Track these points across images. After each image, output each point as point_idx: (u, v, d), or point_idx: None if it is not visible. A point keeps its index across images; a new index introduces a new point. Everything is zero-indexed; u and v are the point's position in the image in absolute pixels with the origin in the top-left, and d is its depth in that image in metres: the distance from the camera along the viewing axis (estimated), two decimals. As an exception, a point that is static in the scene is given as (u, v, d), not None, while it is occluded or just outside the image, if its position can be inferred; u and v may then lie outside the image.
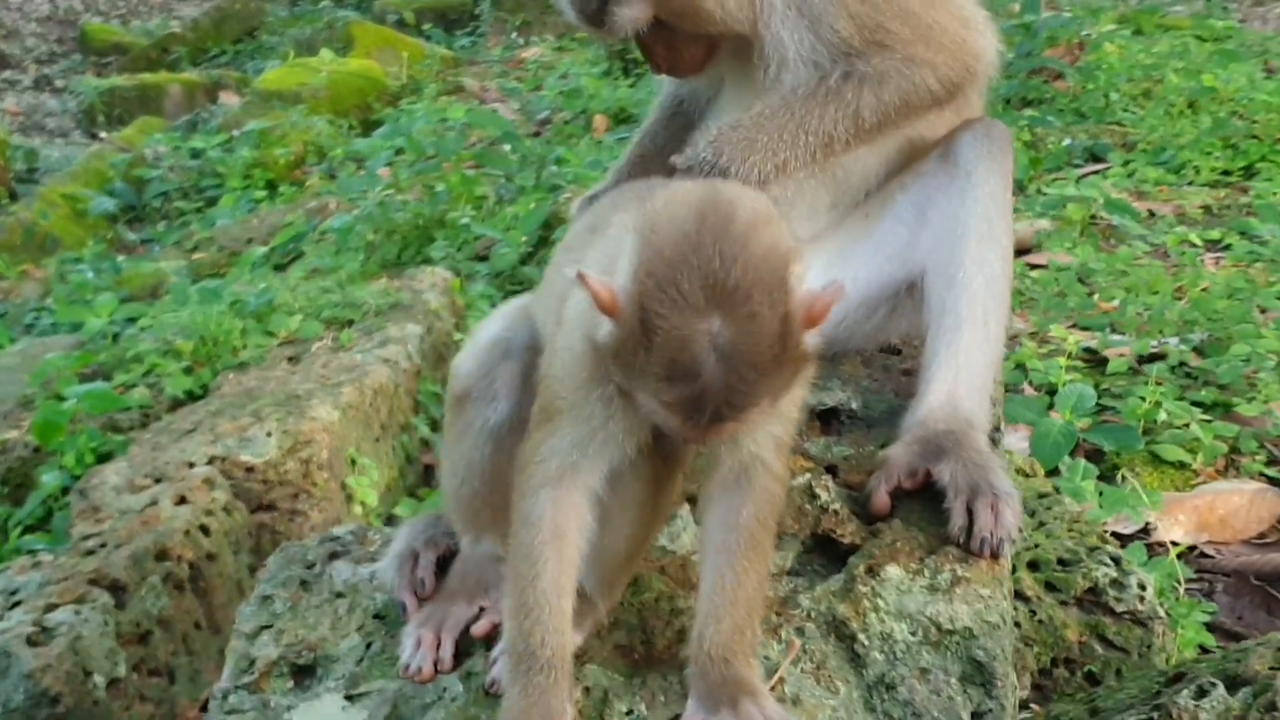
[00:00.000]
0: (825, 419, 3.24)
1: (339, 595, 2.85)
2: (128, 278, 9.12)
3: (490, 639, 2.65)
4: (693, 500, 2.88)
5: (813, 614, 2.68)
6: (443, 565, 2.85)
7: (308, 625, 2.78)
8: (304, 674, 2.70)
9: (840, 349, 3.39)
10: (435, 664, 2.66)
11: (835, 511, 2.89)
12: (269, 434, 5.21)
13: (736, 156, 3.12)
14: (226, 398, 5.71)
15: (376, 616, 2.79)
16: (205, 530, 4.79)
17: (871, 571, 2.74)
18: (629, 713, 2.51)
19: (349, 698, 2.60)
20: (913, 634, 2.66)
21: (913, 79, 3.19)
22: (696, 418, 2.14)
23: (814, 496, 2.93)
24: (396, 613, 2.79)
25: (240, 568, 4.95)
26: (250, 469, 5.12)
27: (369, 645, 2.73)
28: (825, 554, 2.89)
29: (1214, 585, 4.79)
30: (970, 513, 2.80)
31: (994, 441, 3.12)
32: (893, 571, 2.73)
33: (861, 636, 2.66)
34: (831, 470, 3.05)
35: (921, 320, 3.22)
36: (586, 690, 2.53)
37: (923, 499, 2.88)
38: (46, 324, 8.65)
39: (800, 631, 2.65)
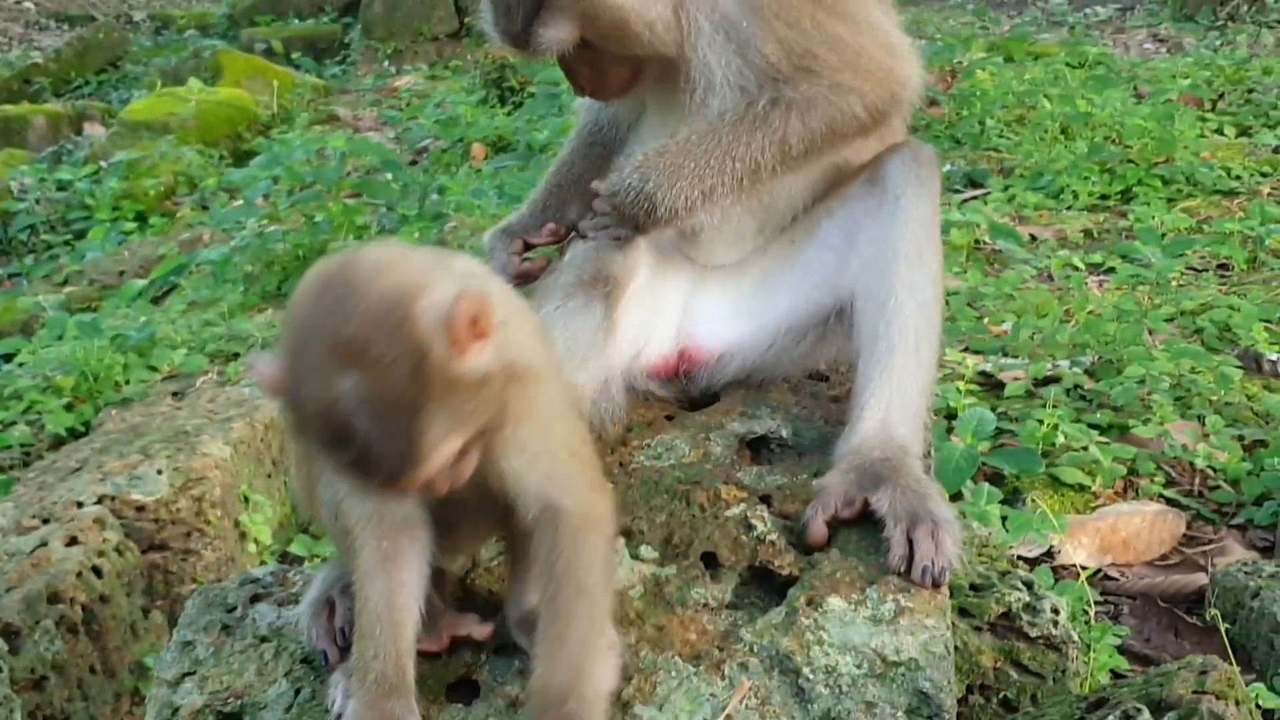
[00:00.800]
0: (755, 447, 3.19)
1: (264, 640, 2.75)
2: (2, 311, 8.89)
3: None
4: (628, 534, 2.82)
5: (755, 648, 2.62)
6: None
7: (233, 671, 2.68)
8: (230, 722, 2.61)
9: (768, 376, 3.35)
10: None
11: (772, 542, 2.84)
12: (160, 471, 5.06)
13: (663, 183, 3.07)
14: (112, 435, 5.55)
15: (304, 661, 2.70)
16: (98, 572, 4.63)
17: (813, 603, 2.69)
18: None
19: (279, 746, 2.50)
20: (858, 667, 2.61)
21: (840, 106, 3.16)
22: (376, 477, 2.14)
23: (750, 527, 2.88)
24: (319, 661, 2.69)
25: (134, 609, 4.80)
26: (141, 508, 4.97)
27: (298, 691, 2.63)
28: (763, 586, 2.84)
29: (1120, 608, 4.81)
30: (910, 541, 2.76)
31: (927, 468, 3.09)
32: (835, 603, 2.68)
33: (806, 670, 2.60)
34: (766, 500, 2.99)
35: (851, 346, 3.19)
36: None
37: (860, 528, 2.84)
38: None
39: (744, 667, 2.59)
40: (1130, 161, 9.06)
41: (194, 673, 2.68)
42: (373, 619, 2.43)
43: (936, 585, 2.73)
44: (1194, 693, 3.62)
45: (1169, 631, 4.63)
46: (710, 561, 2.87)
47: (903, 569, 2.74)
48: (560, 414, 2.45)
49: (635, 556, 2.81)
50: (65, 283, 9.73)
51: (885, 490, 2.85)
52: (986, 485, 5.01)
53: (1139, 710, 3.27)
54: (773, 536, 2.85)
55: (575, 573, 2.39)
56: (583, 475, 2.45)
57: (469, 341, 2.12)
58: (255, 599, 2.87)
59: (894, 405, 3.03)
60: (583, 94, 3.30)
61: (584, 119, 3.67)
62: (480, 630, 2.66)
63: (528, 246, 3.54)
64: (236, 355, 6.35)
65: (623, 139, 3.56)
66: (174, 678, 2.67)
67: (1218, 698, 3.62)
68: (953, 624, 3.94)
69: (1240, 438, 5.52)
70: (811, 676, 2.59)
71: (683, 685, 2.56)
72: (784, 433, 3.21)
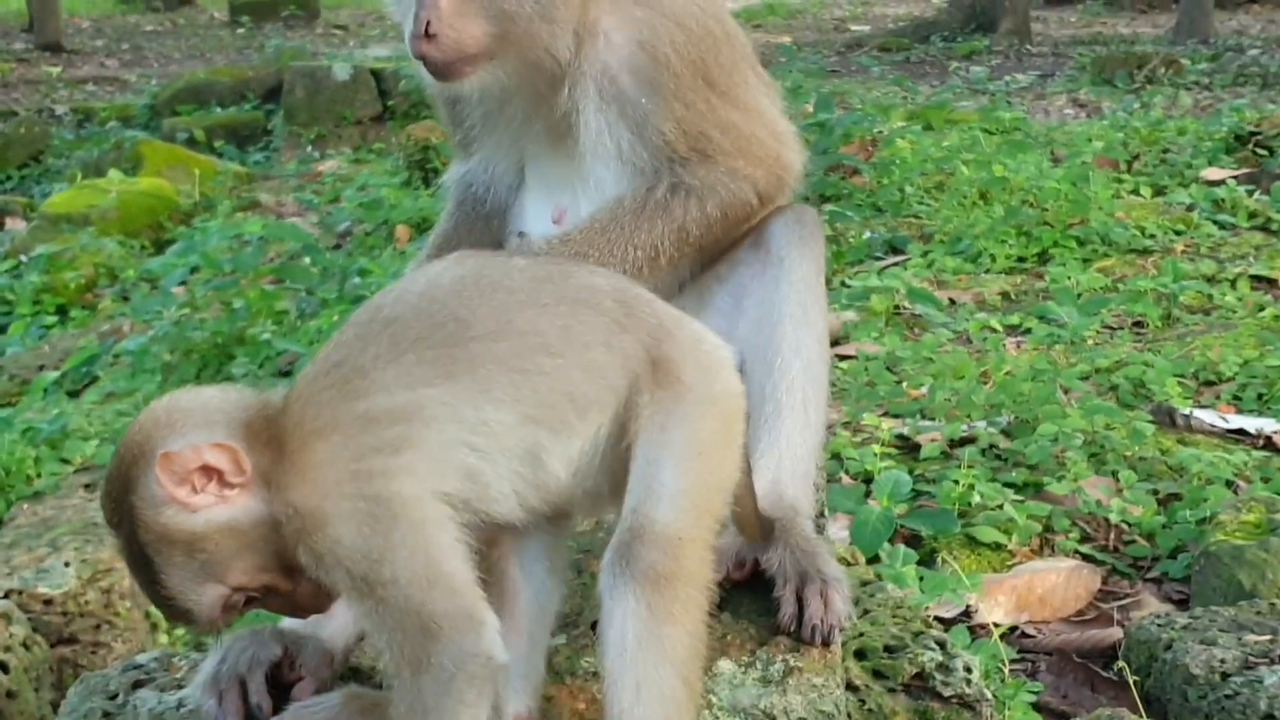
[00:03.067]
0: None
1: (145, 726, 2.71)
2: (-84, 410, 8.79)
3: None
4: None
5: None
6: (272, 681, 2.73)
7: (112, 759, 2.64)
8: (113, 813, 2.56)
9: None
10: None
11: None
12: (67, 564, 5.02)
13: None
14: (22, 529, 5.49)
15: (185, 748, 2.66)
16: (4, 667, 4.57)
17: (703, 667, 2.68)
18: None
19: (159, 835, 2.46)
20: (748, 729, 2.60)
21: (735, 192, 3.22)
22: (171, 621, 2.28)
23: (640, 591, 2.87)
24: None
25: (43, 704, 4.73)
26: (49, 601, 4.92)
27: (178, 776, 2.59)
28: (654, 649, 2.82)
29: (1037, 665, 4.81)
30: (800, 600, 2.77)
31: (820, 528, 3.10)
32: (724, 666, 2.68)
33: (696, 734, 2.59)
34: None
35: None
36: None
37: (751, 589, 2.84)
38: None
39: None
40: (1046, 224, 9.16)
41: (74, 761, 2.65)
42: None
43: (826, 643, 2.74)
44: (1100, 745, 3.64)
45: (1085, 686, 4.64)
46: (601, 630, 2.85)
47: (793, 628, 2.75)
48: (357, 540, 2.22)
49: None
50: (-13, 379, 9.66)
51: (775, 550, 2.86)
52: (903, 547, 5.02)
53: (1049, 764, 3.27)
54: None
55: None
56: (403, 616, 2.20)
57: (191, 491, 2.13)
58: (137, 685, 2.83)
59: (783, 466, 3.05)
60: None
61: (457, 192, 3.64)
62: None
63: None
64: (150, 444, 6.29)
65: (501, 205, 3.55)
66: (53, 767, 2.64)
67: (1122, 748, 3.64)
68: (866, 685, 3.95)
69: (1154, 492, 5.55)
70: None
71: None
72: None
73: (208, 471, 2.13)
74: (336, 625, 2.85)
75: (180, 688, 2.79)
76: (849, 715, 3.82)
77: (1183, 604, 5.01)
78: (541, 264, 2.59)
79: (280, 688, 2.74)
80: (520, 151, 3.44)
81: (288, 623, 2.83)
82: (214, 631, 2.21)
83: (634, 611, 2.23)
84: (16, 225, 13.82)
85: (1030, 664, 4.82)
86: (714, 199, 3.20)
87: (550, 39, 3.11)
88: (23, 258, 12.05)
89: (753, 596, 2.84)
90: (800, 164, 3.41)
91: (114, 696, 2.80)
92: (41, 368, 9.37)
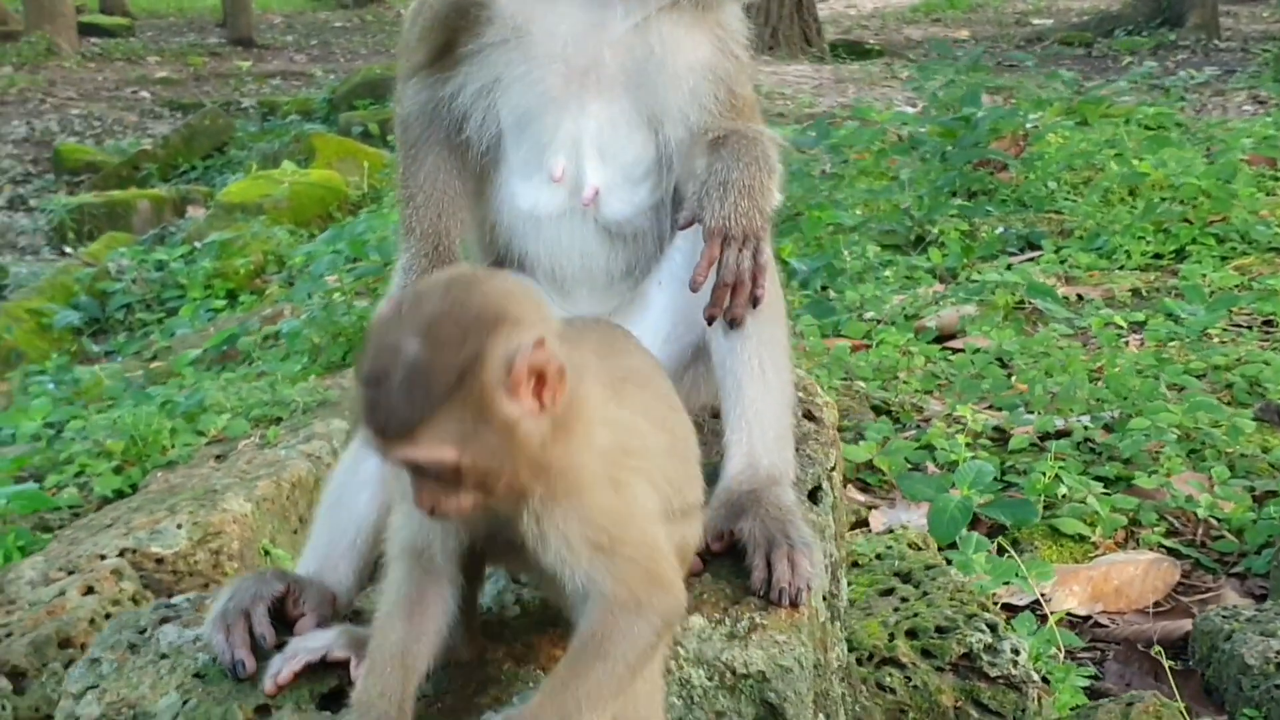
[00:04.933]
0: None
1: (163, 656, 2.95)
2: (87, 388, 9.24)
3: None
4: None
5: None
6: (277, 617, 2.96)
7: (130, 685, 2.88)
8: (124, 731, 2.81)
9: None
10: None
11: (649, 570, 2.99)
12: (179, 526, 5.31)
13: None
14: (151, 495, 5.81)
15: (197, 675, 2.89)
16: (110, 619, 4.86)
17: (676, 622, 2.85)
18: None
19: (160, 750, 2.71)
20: (709, 679, 2.77)
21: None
22: (371, 419, 2.26)
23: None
24: (236, 674, 2.87)
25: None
26: (160, 560, 5.22)
27: (185, 702, 2.82)
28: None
29: (1106, 654, 4.87)
30: (770, 565, 2.90)
31: (815, 493, 3.24)
32: (696, 621, 2.83)
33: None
34: (652, 530, 3.15)
35: None
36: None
37: (734, 556, 2.99)
38: (7, 434, 8.76)
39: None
40: (1186, 220, 9.09)
41: (96, 686, 2.89)
42: (386, 660, 2.52)
43: (795, 605, 2.86)
44: (1116, 722, 3.73)
45: (1149, 675, 4.68)
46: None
47: (763, 591, 2.89)
48: (609, 509, 2.46)
49: (516, 581, 2.98)
50: (154, 358, 10.11)
51: (747, 520, 2.98)
52: (975, 535, 5.11)
53: (1059, 738, 3.37)
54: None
55: (602, 641, 2.43)
56: (632, 568, 2.45)
57: (519, 389, 2.26)
58: (164, 621, 3.08)
59: (754, 437, 3.14)
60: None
61: (422, 123, 3.45)
62: None
63: None
64: (279, 419, 6.61)
65: (484, 149, 3.45)
66: (78, 690, 2.88)
67: (1139, 727, 3.72)
68: (913, 663, 4.08)
69: (1251, 489, 5.56)
70: (666, 688, 2.75)
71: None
72: (680, 468, 3.36)
73: (539, 378, 2.28)
74: (341, 572, 3.08)
75: (200, 624, 3.03)
76: (892, 691, 3.98)
77: (1264, 599, 5.02)
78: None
79: (286, 625, 2.96)
80: (539, 85, 3.36)
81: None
82: (419, 496, 2.34)
83: None
84: (197, 213, 14.37)
85: (1100, 652, 4.88)
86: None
87: None
88: (197, 244, 12.55)
89: (734, 562, 2.97)
90: None
91: (142, 631, 3.05)
92: (206, 349, 9.82)
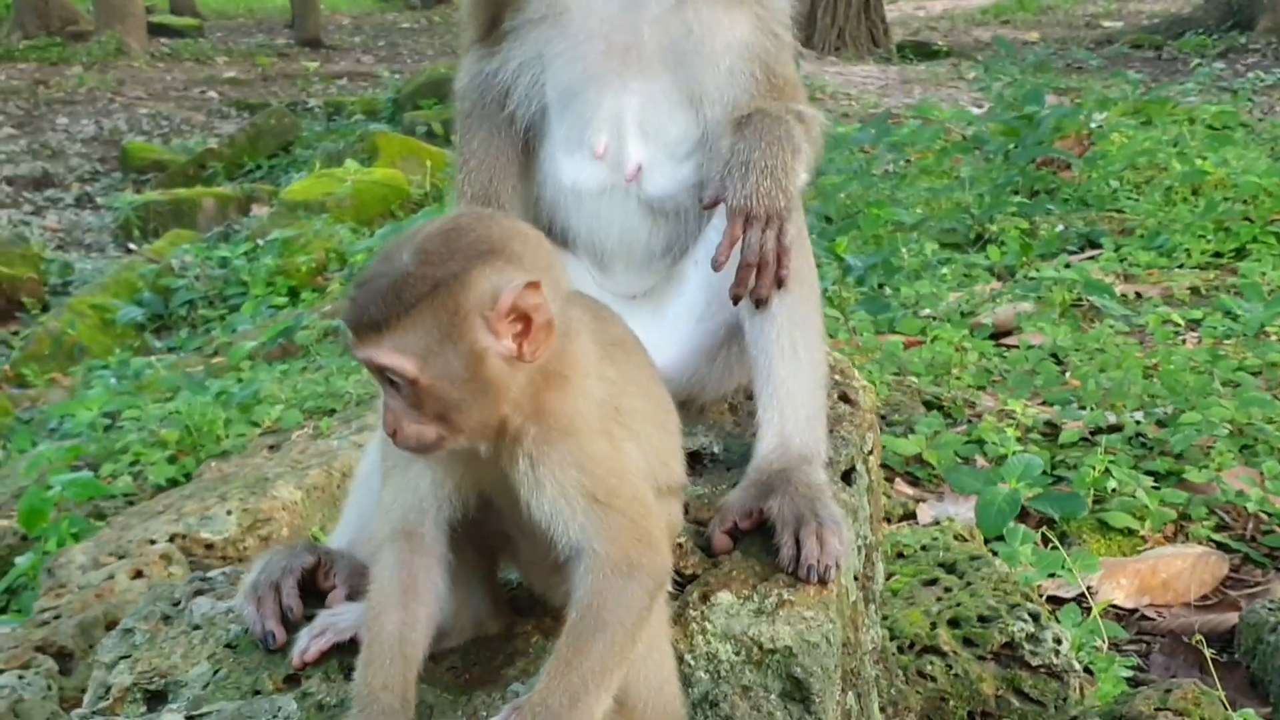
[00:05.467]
0: (689, 462, 3.33)
1: (196, 627, 2.99)
2: (149, 382, 9.34)
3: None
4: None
5: (644, 639, 2.78)
6: (304, 588, 2.98)
7: (162, 655, 2.91)
8: (155, 699, 2.84)
9: (701, 400, 3.47)
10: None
11: (680, 545, 3.00)
12: (229, 512, 5.36)
13: None
14: (204, 484, 5.88)
15: (228, 646, 2.92)
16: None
17: (704, 598, 2.86)
18: (452, 729, 2.64)
19: (189, 718, 2.73)
20: (736, 654, 2.77)
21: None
22: (348, 316, 2.34)
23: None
24: (266, 645, 2.90)
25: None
26: (209, 545, 5.27)
27: (216, 671, 2.85)
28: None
29: (1152, 646, 4.84)
30: (799, 542, 2.90)
31: (849, 474, 3.23)
32: (724, 597, 2.84)
33: (688, 657, 2.78)
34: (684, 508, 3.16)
35: None
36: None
37: (763, 533, 2.99)
38: (69, 428, 8.87)
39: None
40: (1247, 219, 9.01)
41: (129, 656, 2.93)
42: (384, 651, 2.53)
43: (823, 581, 2.86)
44: (1156, 709, 3.70)
45: (1194, 668, 4.64)
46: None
47: (791, 568, 2.89)
48: (605, 459, 2.48)
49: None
50: (215, 354, 10.20)
51: (776, 498, 2.98)
52: (1022, 527, 5.08)
53: (1100, 727, 3.35)
54: (680, 540, 3.01)
55: (598, 610, 2.42)
56: (624, 524, 2.46)
57: (498, 323, 2.30)
58: (198, 593, 3.11)
59: (785, 416, 3.13)
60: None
61: (474, 96, 3.54)
62: None
63: None
64: (332, 411, 6.66)
65: (528, 122, 3.52)
66: (111, 660, 2.92)
67: (1178, 714, 3.69)
68: (954, 651, 4.07)
69: (1304, 484, 5.51)
70: (693, 663, 2.77)
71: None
72: (715, 449, 3.37)
73: (524, 320, 2.31)
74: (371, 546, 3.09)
75: (233, 597, 3.06)
76: (933, 680, 3.98)
77: (1314, 594, 4.98)
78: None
79: (319, 596, 2.99)
80: (580, 62, 3.40)
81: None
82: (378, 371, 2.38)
83: None
84: (262, 211, 14.49)
85: (1145, 645, 4.84)
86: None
87: None
88: (259, 241, 12.65)
89: (763, 539, 2.97)
90: None
91: (176, 603, 3.09)
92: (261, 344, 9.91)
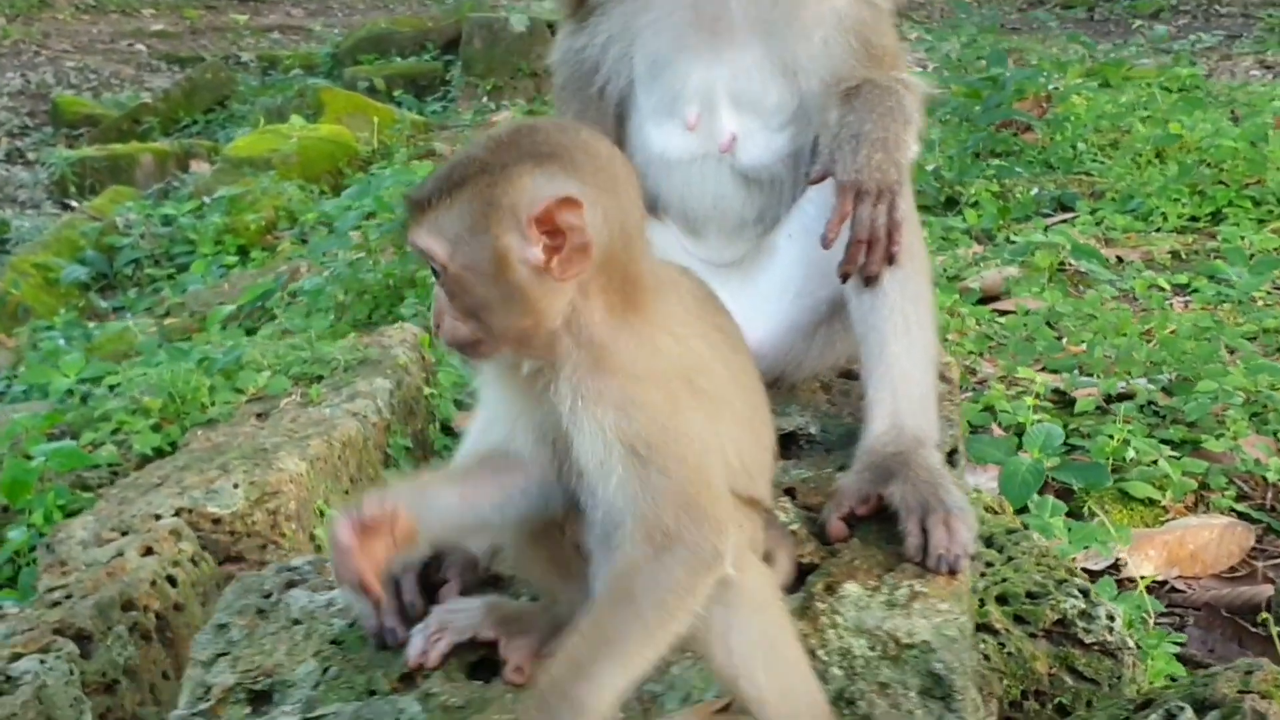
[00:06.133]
0: (784, 443, 3.23)
1: (296, 622, 2.84)
2: (99, 343, 9.10)
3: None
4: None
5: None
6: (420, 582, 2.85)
7: (264, 652, 2.77)
8: (260, 699, 2.70)
9: (793, 377, 3.38)
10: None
11: (794, 532, 2.89)
12: (236, 485, 5.18)
13: None
14: (195, 453, 5.68)
15: (334, 642, 2.78)
16: (172, 581, 4.74)
17: (830, 589, 2.75)
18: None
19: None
20: (871, 649, 2.66)
21: None
22: (409, 191, 2.32)
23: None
24: (385, 643, 2.77)
25: (208, 618, 4.90)
26: (217, 520, 5.09)
27: (325, 670, 2.71)
28: (785, 574, 2.89)
29: (1185, 619, 4.79)
30: (925, 531, 2.80)
31: (952, 456, 3.13)
32: (851, 589, 2.73)
33: (820, 653, 2.65)
34: (790, 493, 3.05)
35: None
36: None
37: (881, 519, 2.89)
38: (17, 391, 8.60)
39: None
40: (1221, 183, 8.99)
41: (227, 653, 2.78)
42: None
43: (953, 572, 2.76)
44: (1238, 692, 3.62)
45: (1233, 641, 4.61)
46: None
47: (919, 558, 2.78)
48: (653, 409, 2.29)
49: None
50: (167, 315, 9.96)
51: (896, 484, 2.89)
52: (1050, 498, 5.02)
53: (1181, 709, 3.29)
54: (794, 527, 2.90)
55: (626, 580, 2.25)
56: (667, 488, 2.26)
57: (529, 229, 2.19)
58: (290, 584, 2.96)
59: (899, 396, 3.05)
60: None
61: (567, 70, 3.54)
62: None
63: None
64: (320, 378, 6.47)
65: (618, 95, 3.50)
66: (208, 658, 2.78)
67: (1262, 697, 3.61)
68: (1006, 629, 3.99)
69: (1319, 453, 5.48)
70: (826, 658, 2.64)
71: (696, 665, 2.60)
72: (812, 429, 3.27)
73: (558, 234, 2.20)
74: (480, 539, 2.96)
75: (331, 589, 2.91)
76: (986, 658, 3.89)
77: (1339, 564, 4.96)
78: None
79: (429, 590, 2.85)
80: (667, 34, 3.35)
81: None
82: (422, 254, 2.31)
83: None
84: (201, 168, 14.15)
85: (1178, 618, 4.80)
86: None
87: None
88: (205, 199, 12.38)
89: (881, 526, 2.88)
90: None
91: (268, 595, 2.94)
92: (221, 305, 9.67)
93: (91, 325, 10.19)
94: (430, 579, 2.85)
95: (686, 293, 2.46)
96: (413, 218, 2.26)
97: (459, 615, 2.73)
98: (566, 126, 2.34)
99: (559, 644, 2.28)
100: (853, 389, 3.43)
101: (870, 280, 3.05)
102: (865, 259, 3.04)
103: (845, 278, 3.07)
